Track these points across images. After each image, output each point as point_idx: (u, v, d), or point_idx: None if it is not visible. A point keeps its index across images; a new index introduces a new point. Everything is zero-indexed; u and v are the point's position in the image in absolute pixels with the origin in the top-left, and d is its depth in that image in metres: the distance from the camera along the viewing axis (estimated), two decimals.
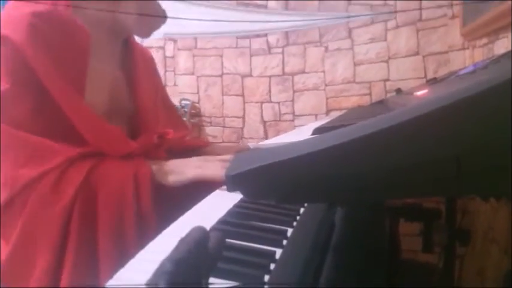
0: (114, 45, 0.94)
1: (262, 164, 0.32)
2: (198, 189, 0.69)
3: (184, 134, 1.12)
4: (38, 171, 0.71)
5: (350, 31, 1.60)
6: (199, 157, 0.79)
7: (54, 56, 0.75)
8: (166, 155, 0.92)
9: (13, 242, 0.72)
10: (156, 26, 0.93)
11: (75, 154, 0.75)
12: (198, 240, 0.28)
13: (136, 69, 0.98)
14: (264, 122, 1.73)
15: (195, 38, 1.78)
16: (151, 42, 1.83)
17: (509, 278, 0.71)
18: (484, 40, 1.26)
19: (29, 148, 0.73)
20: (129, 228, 0.70)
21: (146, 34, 0.96)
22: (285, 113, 1.70)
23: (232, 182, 0.33)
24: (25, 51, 0.72)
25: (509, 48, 1.01)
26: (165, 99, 1.15)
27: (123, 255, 0.67)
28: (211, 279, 0.37)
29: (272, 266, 0.40)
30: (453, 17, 1.51)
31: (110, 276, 0.39)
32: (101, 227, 0.70)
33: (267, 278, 0.39)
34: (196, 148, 1.08)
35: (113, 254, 0.69)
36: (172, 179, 0.73)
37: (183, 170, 0.73)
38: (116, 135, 0.81)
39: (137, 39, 1.04)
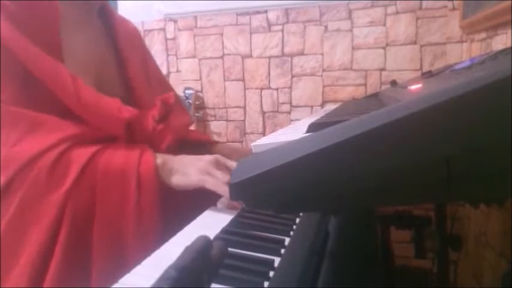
0: (90, 18, 0.87)
1: (258, 172, 0.31)
2: (199, 196, 0.66)
3: (185, 121, 1.00)
4: (35, 150, 0.65)
5: (350, 12, 1.63)
6: (209, 156, 0.70)
7: (27, 33, 0.71)
8: (170, 145, 0.83)
9: (2, 228, 0.64)
10: None
11: (76, 133, 0.70)
12: (201, 250, 0.29)
13: (120, 40, 0.90)
14: (263, 113, 1.76)
15: (195, 17, 1.79)
16: (152, 24, 1.85)
17: (507, 279, 0.72)
18: (483, 35, 1.25)
19: (23, 123, 0.68)
20: (127, 225, 0.65)
21: None
22: (282, 103, 1.73)
23: (235, 191, 0.33)
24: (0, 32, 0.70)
25: (508, 44, 1.00)
26: (159, 77, 1.04)
27: (118, 255, 0.63)
28: (214, 285, 0.39)
29: (271, 274, 0.42)
30: (453, 9, 1.52)
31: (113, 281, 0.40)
32: (97, 220, 0.65)
33: (266, 284, 0.40)
34: (201, 143, 1.00)
35: (108, 254, 0.64)
36: (176, 179, 0.67)
37: (188, 171, 0.67)
38: (112, 105, 0.75)
39: (130, 15, 0.95)
